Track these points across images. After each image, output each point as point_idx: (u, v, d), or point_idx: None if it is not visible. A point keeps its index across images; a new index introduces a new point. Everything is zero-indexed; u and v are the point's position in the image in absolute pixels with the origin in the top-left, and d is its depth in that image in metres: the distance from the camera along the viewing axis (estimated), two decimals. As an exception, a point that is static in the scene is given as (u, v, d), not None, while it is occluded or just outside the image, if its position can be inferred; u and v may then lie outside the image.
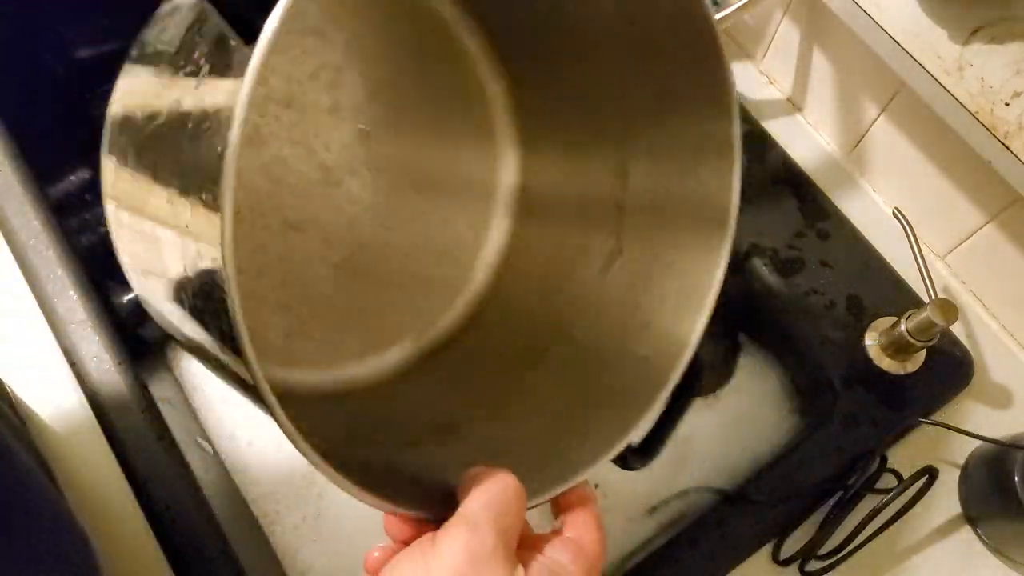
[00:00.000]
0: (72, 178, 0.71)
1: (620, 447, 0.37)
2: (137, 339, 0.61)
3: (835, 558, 0.51)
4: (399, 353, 0.46)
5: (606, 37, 0.40)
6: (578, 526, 0.32)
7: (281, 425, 0.27)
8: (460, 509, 0.29)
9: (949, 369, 0.57)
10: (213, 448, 0.61)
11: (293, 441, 0.27)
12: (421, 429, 0.40)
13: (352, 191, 0.43)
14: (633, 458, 0.39)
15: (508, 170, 0.48)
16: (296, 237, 0.41)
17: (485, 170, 0.48)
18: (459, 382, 0.45)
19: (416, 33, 0.44)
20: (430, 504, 0.30)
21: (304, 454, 0.27)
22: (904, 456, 0.55)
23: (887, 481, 0.53)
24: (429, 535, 0.29)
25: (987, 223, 0.57)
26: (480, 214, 0.48)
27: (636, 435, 0.38)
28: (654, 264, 0.42)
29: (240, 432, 0.61)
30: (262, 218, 0.40)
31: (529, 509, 0.31)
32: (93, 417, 0.54)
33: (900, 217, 0.56)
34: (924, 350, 0.56)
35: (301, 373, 0.42)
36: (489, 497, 0.29)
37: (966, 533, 0.54)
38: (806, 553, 0.51)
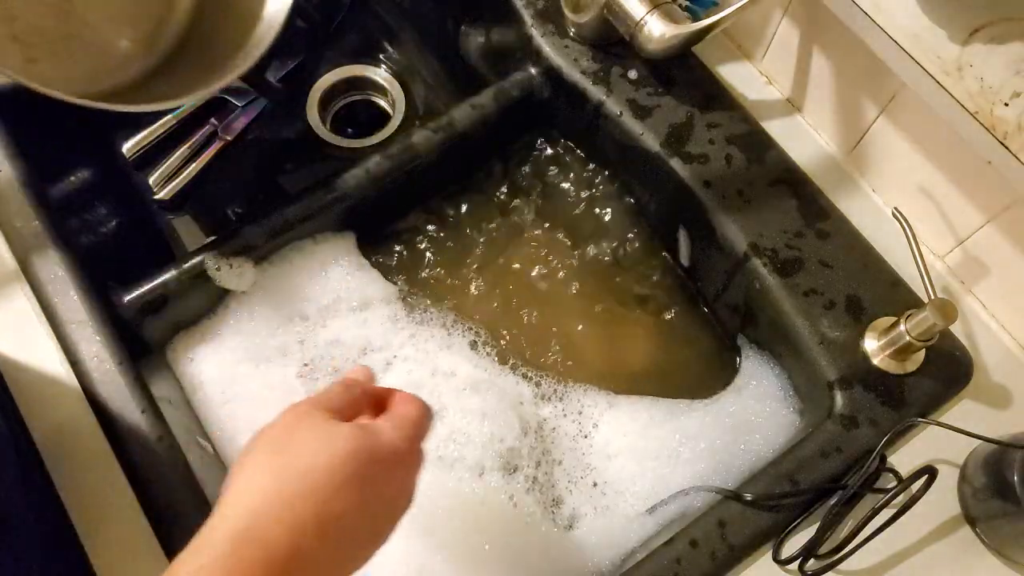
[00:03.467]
0: (72, 178, 0.71)
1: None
2: (137, 339, 0.61)
3: (835, 557, 0.51)
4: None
5: None
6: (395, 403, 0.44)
7: None
8: None
9: (948, 369, 0.57)
10: (213, 447, 0.61)
11: None
12: None
13: None
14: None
15: None
16: None
17: None
18: None
19: None
20: None
21: None
22: (903, 456, 0.55)
23: (887, 481, 0.53)
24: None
25: (986, 223, 0.57)
26: None
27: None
28: None
29: (240, 432, 0.61)
30: None
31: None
32: (94, 417, 0.54)
33: (899, 217, 0.56)
34: (923, 350, 0.56)
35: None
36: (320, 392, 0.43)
37: (965, 533, 0.54)
38: (806, 553, 0.51)
